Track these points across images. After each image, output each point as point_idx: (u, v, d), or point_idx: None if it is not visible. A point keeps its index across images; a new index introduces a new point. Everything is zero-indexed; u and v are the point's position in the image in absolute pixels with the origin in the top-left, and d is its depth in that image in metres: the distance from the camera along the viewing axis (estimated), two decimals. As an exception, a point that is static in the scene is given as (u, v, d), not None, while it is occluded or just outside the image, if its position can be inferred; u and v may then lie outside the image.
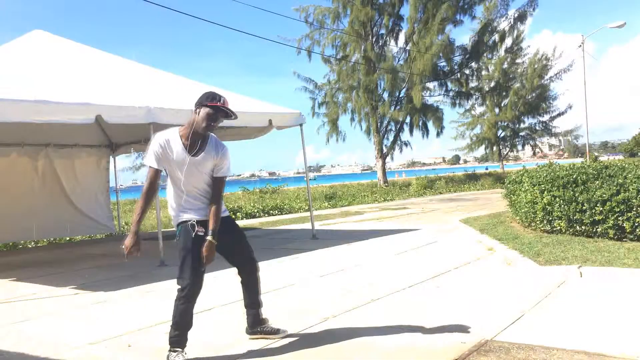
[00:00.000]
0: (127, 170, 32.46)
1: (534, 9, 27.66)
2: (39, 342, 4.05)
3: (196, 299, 3.38)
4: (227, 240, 3.51)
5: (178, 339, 3.33)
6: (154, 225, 13.81)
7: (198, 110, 3.31)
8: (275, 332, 3.76)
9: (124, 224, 14.27)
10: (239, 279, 3.72)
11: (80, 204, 12.41)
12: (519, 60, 37.34)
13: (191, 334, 3.42)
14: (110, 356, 3.62)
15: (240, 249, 3.62)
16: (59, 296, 5.83)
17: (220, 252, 3.51)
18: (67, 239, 12.67)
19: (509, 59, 35.99)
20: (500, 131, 40.06)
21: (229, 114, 3.33)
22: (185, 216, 3.36)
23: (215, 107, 3.28)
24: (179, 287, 3.31)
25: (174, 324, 3.32)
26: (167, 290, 5.79)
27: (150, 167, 3.31)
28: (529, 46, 37.79)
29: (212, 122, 3.29)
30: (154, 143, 3.31)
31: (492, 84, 34.87)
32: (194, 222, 3.33)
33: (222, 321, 4.35)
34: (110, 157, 13.31)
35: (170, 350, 3.32)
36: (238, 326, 4.04)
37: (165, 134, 3.34)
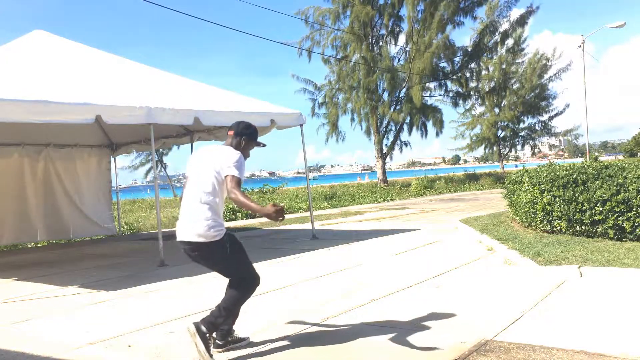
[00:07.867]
0: (126, 169, 32.68)
1: (534, 11, 27.61)
2: (39, 342, 4.05)
3: None
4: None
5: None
6: (154, 225, 13.82)
7: (242, 140, 3.53)
8: (242, 340, 3.73)
9: (124, 224, 14.27)
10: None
11: (83, 206, 12.39)
12: (518, 60, 37.32)
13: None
14: (110, 356, 3.62)
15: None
16: (59, 296, 5.84)
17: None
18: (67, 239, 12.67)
19: (508, 59, 35.93)
20: (500, 131, 40.07)
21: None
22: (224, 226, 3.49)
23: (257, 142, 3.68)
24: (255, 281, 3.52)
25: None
26: (167, 290, 5.80)
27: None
28: (527, 46, 37.60)
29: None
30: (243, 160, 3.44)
31: (492, 84, 34.86)
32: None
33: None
34: (111, 157, 13.31)
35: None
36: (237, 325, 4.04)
37: None
